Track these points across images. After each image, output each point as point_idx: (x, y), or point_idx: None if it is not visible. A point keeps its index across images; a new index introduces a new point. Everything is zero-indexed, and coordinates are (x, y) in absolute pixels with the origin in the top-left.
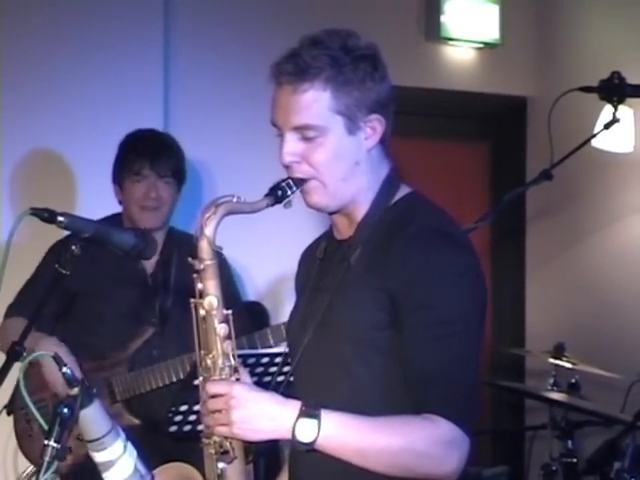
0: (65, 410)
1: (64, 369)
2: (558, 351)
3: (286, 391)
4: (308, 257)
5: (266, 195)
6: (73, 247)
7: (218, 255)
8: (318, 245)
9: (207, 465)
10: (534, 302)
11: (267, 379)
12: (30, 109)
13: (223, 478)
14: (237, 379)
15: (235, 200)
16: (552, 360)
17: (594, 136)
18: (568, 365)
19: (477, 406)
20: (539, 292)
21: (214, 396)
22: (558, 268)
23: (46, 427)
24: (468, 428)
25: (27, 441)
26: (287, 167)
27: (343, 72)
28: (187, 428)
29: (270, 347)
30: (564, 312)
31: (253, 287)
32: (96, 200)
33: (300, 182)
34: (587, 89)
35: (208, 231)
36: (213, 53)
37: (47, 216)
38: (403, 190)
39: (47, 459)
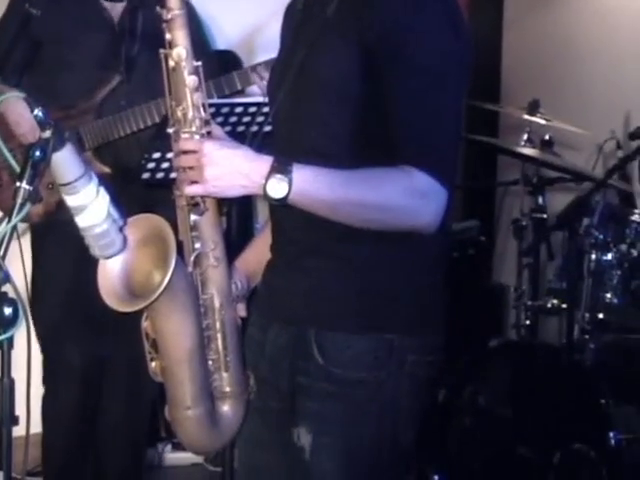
0: (37, 153)
1: (36, 111)
2: (533, 108)
3: (263, 141)
4: (292, 8)
5: None
6: None
7: (186, 4)
8: None
9: (180, 217)
10: (510, 57)
11: (240, 129)
12: None
13: (196, 229)
14: (208, 132)
15: None
16: (526, 116)
17: None
18: (542, 122)
19: (454, 159)
20: (516, 47)
21: (186, 152)
22: (536, 23)
23: (18, 170)
24: (445, 180)
25: None
26: None
27: None
28: (160, 175)
29: (238, 91)
30: (540, 68)
31: (223, 36)
32: None
33: None
34: None
35: None
36: None
37: None
38: None
39: (19, 201)
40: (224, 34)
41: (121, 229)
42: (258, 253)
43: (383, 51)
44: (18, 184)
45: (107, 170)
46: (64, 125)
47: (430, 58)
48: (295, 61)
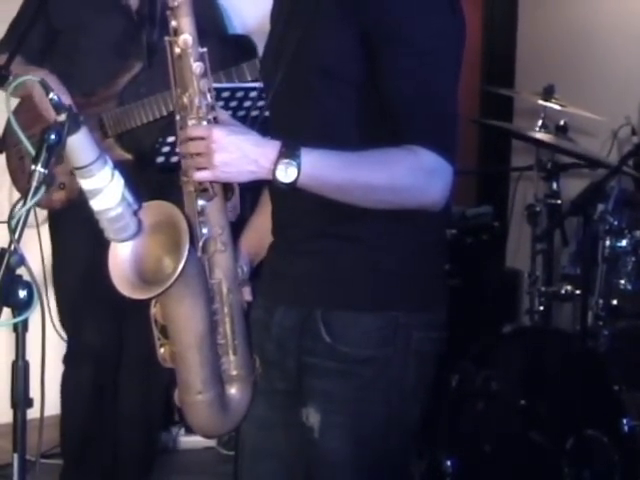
0: (52, 136)
1: (51, 95)
2: (548, 93)
3: (262, 127)
4: None
5: None
6: None
7: None
8: None
9: (187, 202)
10: (526, 42)
11: (241, 113)
12: None
13: (203, 215)
14: (214, 118)
15: None
16: (541, 102)
17: None
18: (557, 107)
19: (457, 136)
20: (531, 32)
21: (194, 139)
22: (551, 8)
23: (33, 153)
24: (450, 157)
25: (20, 177)
26: None
27: None
28: (175, 159)
29: (247, 82)
30: (555, 53)
31: (240, 21)
32: None
33: None
34: None
35: None
36: None
37: None
38: None
39: (34, 184)
40: (241, 18)
41: (135, 213)
42: (257, 232)
43: (380, 32)
44: (33, 167)
45: (129, 157)
46: (86, 112)
47: (428, 37)
48: (289, 46)
